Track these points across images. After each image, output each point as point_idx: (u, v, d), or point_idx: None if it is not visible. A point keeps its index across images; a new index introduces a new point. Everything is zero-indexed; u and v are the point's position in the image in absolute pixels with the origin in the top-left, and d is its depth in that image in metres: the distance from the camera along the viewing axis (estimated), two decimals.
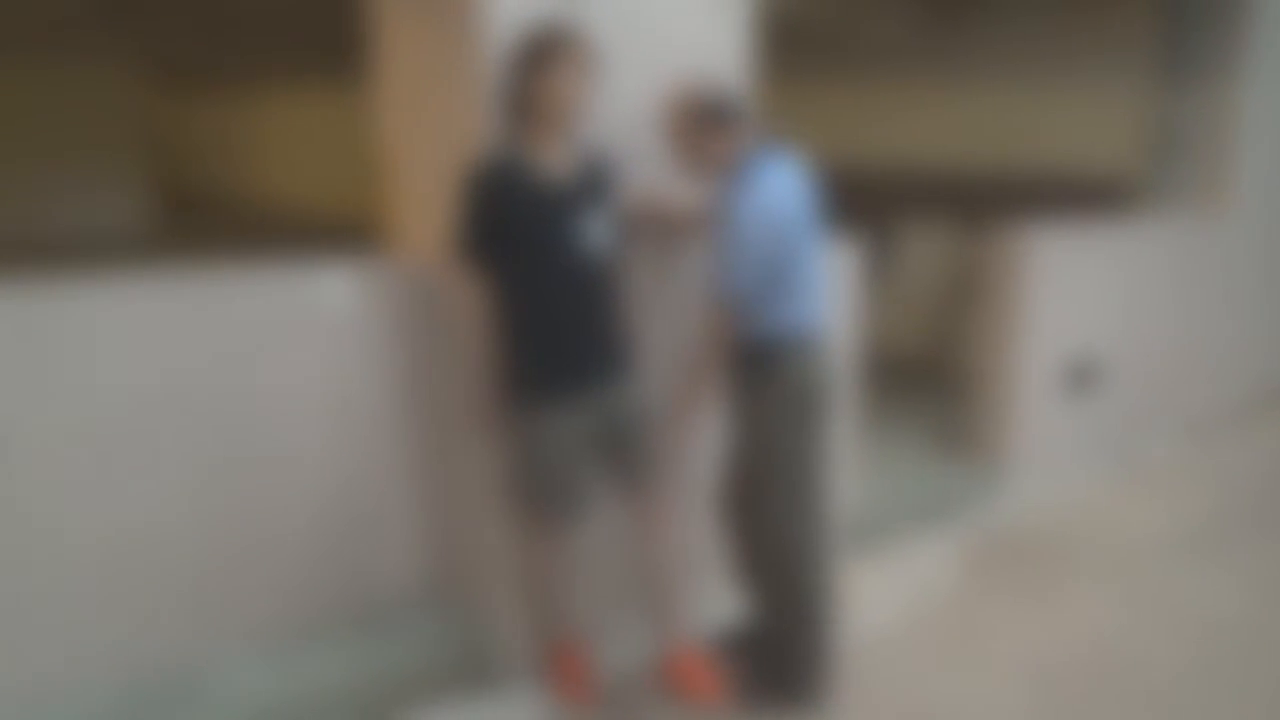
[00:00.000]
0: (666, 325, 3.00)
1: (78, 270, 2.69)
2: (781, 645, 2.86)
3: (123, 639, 2.69)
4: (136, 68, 12.44)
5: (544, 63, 2.42)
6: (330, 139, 13.14)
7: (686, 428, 2.77)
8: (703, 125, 2.59)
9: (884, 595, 3.59)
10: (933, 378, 5.64)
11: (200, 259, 3.05)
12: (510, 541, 2.81)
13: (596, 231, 2.56)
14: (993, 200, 5.94)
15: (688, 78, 2.71)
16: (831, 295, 3.06)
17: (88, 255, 9.16)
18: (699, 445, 3.02)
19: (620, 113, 2.76)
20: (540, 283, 2.52)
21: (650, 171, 2.82)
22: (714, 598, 3.19)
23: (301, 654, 2.89)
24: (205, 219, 13.88)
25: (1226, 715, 2.94)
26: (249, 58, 12.14)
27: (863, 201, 3.97)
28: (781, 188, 2.59)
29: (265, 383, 2.80)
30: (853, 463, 3.99)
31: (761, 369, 2.68)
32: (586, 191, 2.55)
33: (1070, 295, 4.60)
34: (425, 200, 2.96)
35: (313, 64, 11.42)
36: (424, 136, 2.98)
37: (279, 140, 15.11)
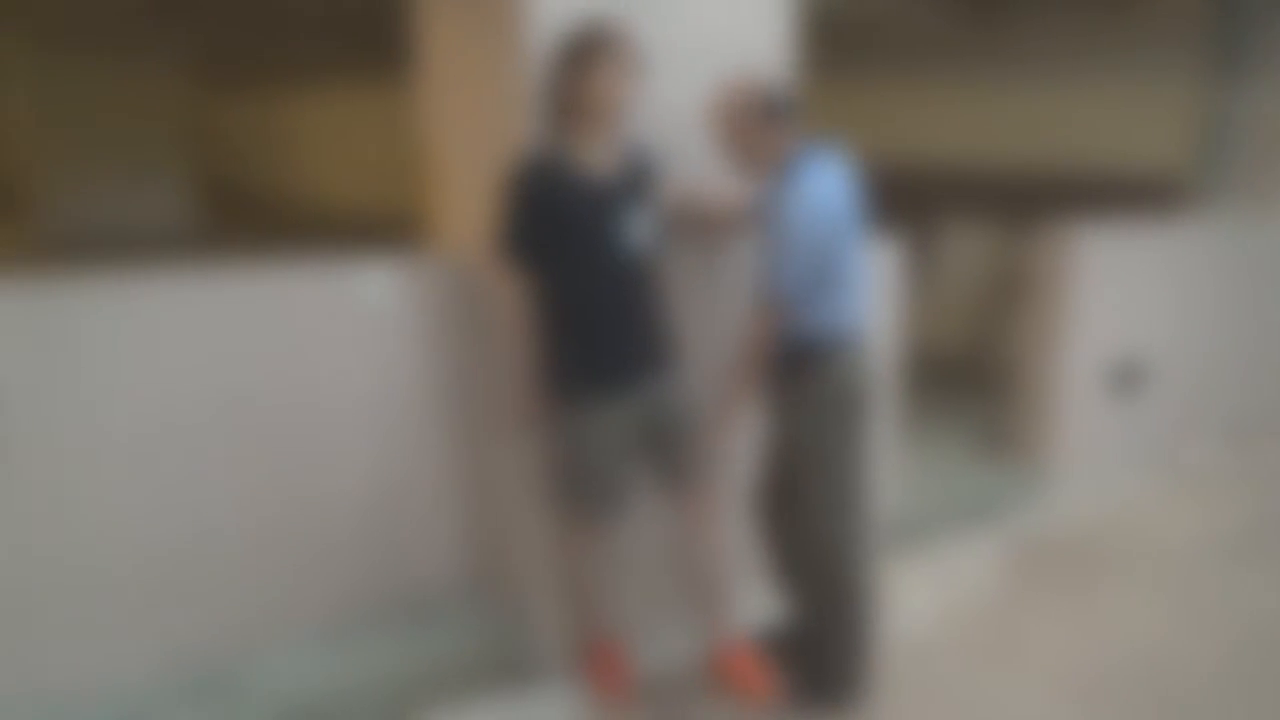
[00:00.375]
0: (708, 322, 2.99)
1: (125, 267, 2.74)
2: (820, 646, 2.84)
3: (169, 631, 2.74)
4: (182, 64, 12.62)
5: (587, 62, 2.42)
6: (372, 136, 13.23)
7: (731, 426, 2.77)
8: (758, 119, 2.58)
9: (924, 597, 3.56)
10: (975, 378, 5.58)
11: (244, 256, 3.09)
12: (550, 538, 2.82)
13: (639, 229, 2.55)
14: (1037, 199, 5.85)
15: (740, 71, 2.69)
16: (873, 294, 3.04)
17: (134, 251, 9.31)
18: (740, 445, 3.01)
19: (662, 109, 2.75)
20: (583, 280, 2.52)
21: (692, 168, 2.82)
22: (752, 599, 3.18)
23: (342, 647, 2.93)
24: (247, 215, 14.05)
25: None
26: (291, 55, 12.27)
27: (904, 200, 3.93)
28: (828, 186, 2.57)
29: (308, 379, 2.84)
30: (894, 463, 3.95)
31: (803, 369, 2.66)
32: (629, 189, 2.55)
33: (1115, 296, 4.53)
34: (467, 197, 2.97)
35: (355, 61, 11.51)
36: (467, 134, 2.99)
37: (321, 137, 15.25)
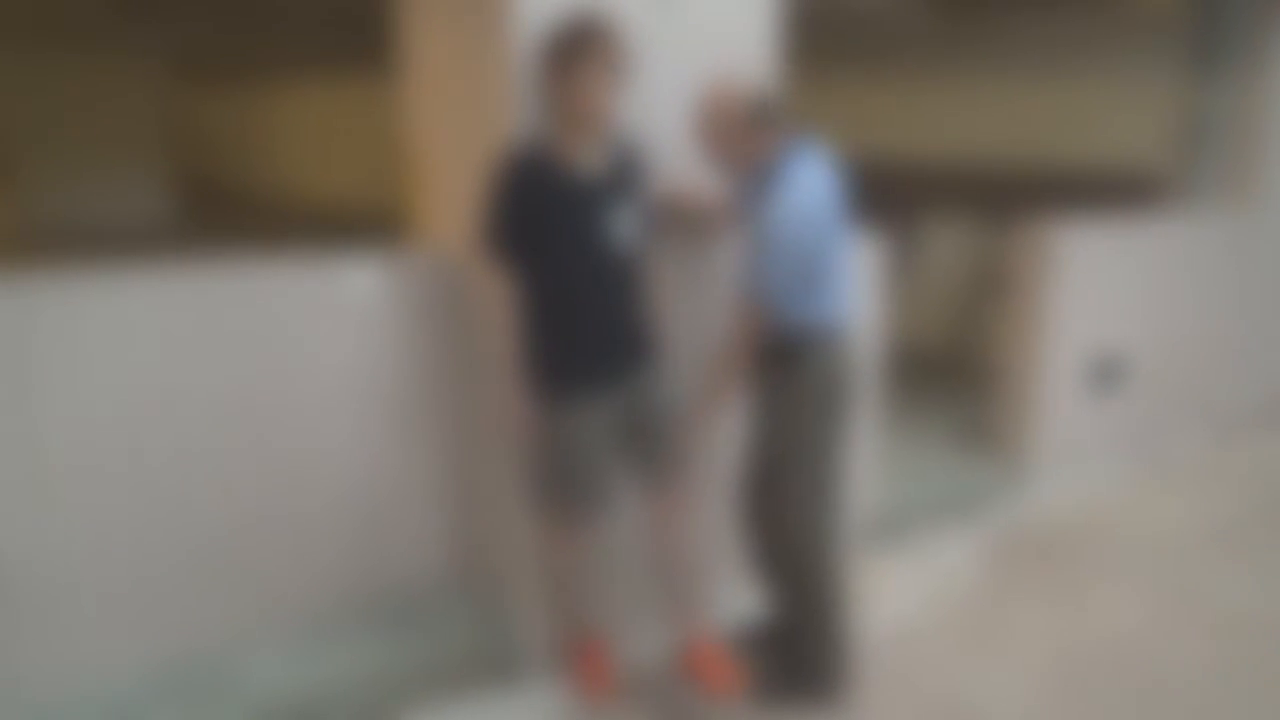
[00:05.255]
0: (692, 318, 2.98)
1: (104, 262, 2.70)
2: (801, 640, 2.84)
3: (151, 628, 2.71)
4: (157, 59, 12.50)
5: (573, 63, 2.39)
6: (351, 130, 13.14)
7: (711, 423, 2.77)
8: (742, 125, 2.57)
9: (907, 590, 3.57)
10: (956, 373, 5.60)
11: (223, 250, 3.06)
12: (533, 535, 2.81)
13: (625, 225, 2.54)
14: (1016, 194, 5.88)
15: (723, 76, 2.67)
16: (856, 290, 3.04)
17: (112, 247, 9.21)
18: (721, 439, 3.01)
19: (647, 102, 2.74)
20: (568, 276, 2.51)
21: (678, 162, 2.81)
22: (734, 593, 3.18)
23: (326, 644, 2.91)
24: (225, 211, 13.94)
25: (1249, 712, 2.91)
26: (270, 48, 12.15)
27: (884, 195, 3.94)
28: (813, 184, 2.57)
29: (291, 374, 2.81)
30: (875, 457, 3.96)
31: (785, 363, 2.66)
32: (615, 186, 2.53)
33: (1096, 291, 4.56)
34: (452, 191, 2.95)
35: (335, 54, 11.41)
36: (451, 127, 2.97)
37: (299, 131, 15.14)
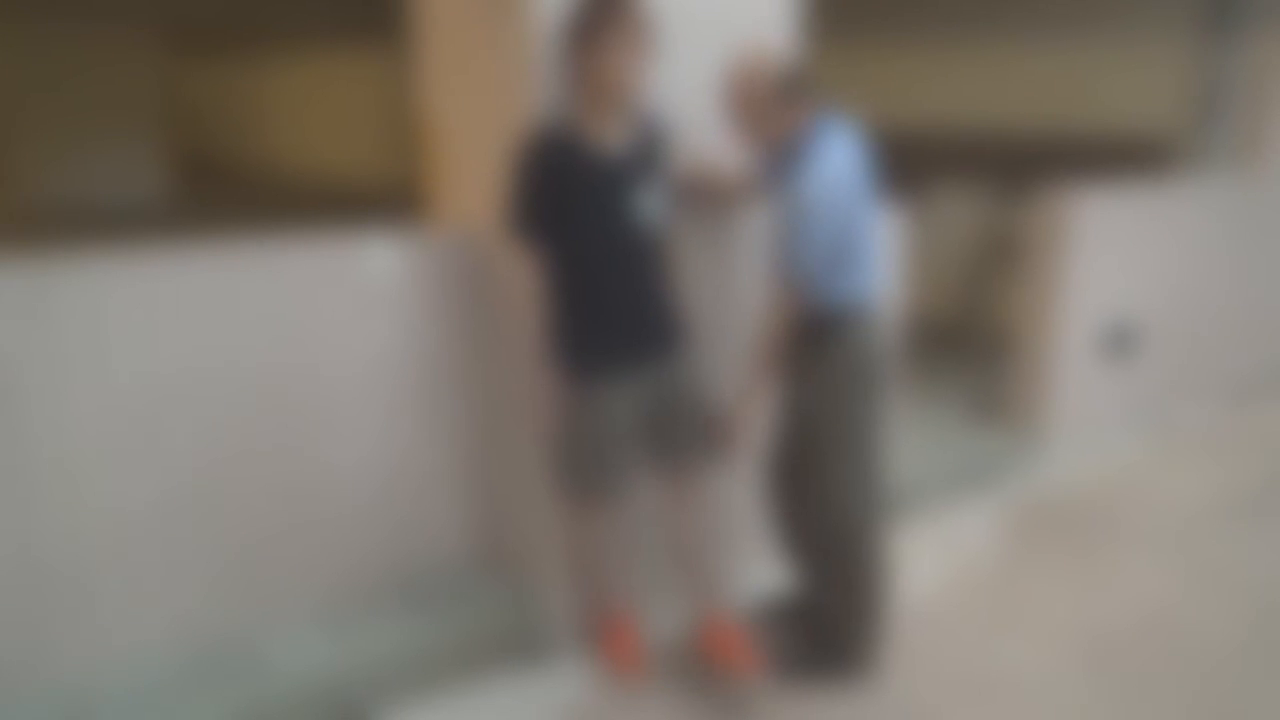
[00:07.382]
0: (716, 296, 2.96)
1: (111, 242, 2.65)
2: (831, 619, 2.84)
3: (179, 611, 2.71)
4: (157, 29, 12.33)
5: (597, 38, 2.34)
6: (357, 104, 12.99)
7: (756, 406, 2.74)
8: (773, 98, 2.53)
9: (925, 563, 3.58)
10: (968, 341, 5.59)
11: (228, 231, 3.02)
12: (558, 514, 2.81)
13: (650, 203, 2.51)
14: (1030, 161, 5.83)
15: (751, 49, 2.62)
16: (883, 263, 3.02)
17: (114, 225, 9.14)
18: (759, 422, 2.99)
19: (671, 78, 2.70)
20: (593, 256, 2.49)
21: (699, 137, 2.77)
22: (759, 569, 3.19)
23: (351, 625, 2.91)
24: (224, 188, 13.81)
25: (1274, 681, 2.92)
26: (273, 18, 11.96)
27: (897, 163, 3.90)
28: (841, 159, 2.54)
29: (313, 355, 2.79)
30: (891, 430, 3.95)
31: (819, 341, 2.64)
32: (640, 163, 2.50)
33: (1110, 258, 4.53)
34: (471, 169, 2.92)
35: (340, 25, 11.24)
36: (470, 103, 2.93)
37: (301, 105, 14.97)
